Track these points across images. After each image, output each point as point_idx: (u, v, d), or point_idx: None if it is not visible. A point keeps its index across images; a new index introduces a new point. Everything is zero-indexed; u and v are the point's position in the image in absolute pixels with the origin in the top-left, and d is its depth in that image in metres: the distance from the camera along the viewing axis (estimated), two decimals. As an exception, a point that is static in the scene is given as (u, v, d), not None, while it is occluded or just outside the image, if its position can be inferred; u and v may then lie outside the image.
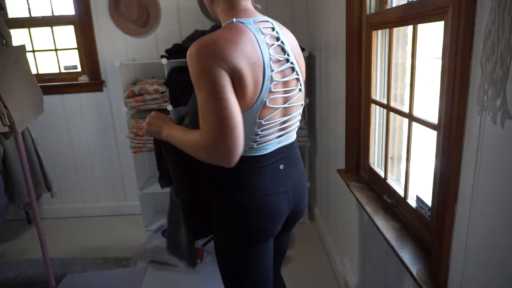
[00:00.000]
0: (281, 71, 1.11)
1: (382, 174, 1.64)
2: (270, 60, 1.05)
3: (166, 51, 2.63)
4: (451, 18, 0.94)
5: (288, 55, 1.13)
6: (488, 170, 0.84)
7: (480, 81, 0.81)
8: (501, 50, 0.73)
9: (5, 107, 1.73)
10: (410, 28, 1.38)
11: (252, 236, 1.19)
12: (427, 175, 1.22)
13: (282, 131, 1.17)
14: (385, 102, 1.57)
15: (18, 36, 3.01)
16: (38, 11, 2.94)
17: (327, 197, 2.52)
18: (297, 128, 1.27)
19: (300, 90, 1.19)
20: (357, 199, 1.64)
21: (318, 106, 2.65)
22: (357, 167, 1.86)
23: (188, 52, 0.99)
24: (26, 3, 2.88)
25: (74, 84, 2.99)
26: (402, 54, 1.51)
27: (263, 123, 1.08)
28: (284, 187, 1.19)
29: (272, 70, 1.06)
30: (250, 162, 1.12)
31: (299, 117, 1.25)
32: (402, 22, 1.33)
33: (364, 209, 1.54)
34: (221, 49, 0.96)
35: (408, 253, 1.22)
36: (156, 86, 2.61)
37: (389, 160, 1.60)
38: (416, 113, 1.30)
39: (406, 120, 1.42)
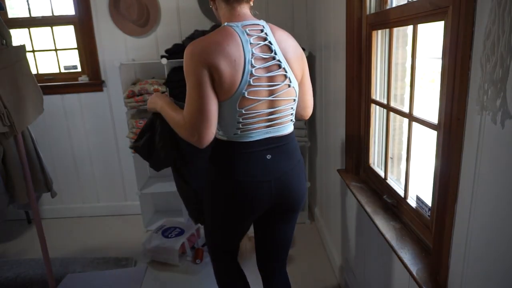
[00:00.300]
0: (266, 67, 1.24)
1: (382, 174, 1.64)
2: (252, 57, 1.20)
3: (166, 51, 2.63)
4: (451, 18, 0.95)
5: (275, 53, 1.25)
6: (488, 170, 0.84)
7: (480, 81, 0.81)
8: (501, 50, 0.73)
9: (5, 107, 1.73)
10: (410, 28, 1.38)
11: (225, 211, 1.37)
12: (427, 175, 1.23)
13: (270, 122, 1.29)
14: (385, 102, 1.57)
15: (18, 36, 3.01)
16: (38, 11, 2.94)
17: (327, 197, 2.52)
18: (291, 122, 1.37)
19: (289, 85, 1.30)
20: (357, 199, 1.64)
21: (318, 106, 2.65)
22: (357, 167, 1.86)
23: (184, 53, 1.21)
24: (26, 3, 2.88)
25: (74, 84, 2.99)
26: (402, 54, 1.52)
27: (243, 112, 1.23)
28: (267, 177, 1.31)
29: (253, 66, 1.20)
30: (236, 147, 1.28)
31: (291, 111, 1.35)
32: (402, 22, 1.33)
33: (364, 209, 1.54)
34: (205, 50, 1.17)
35: (408, 253, 1.22)
36: (156, 86, 2.61)
37: (389, 160, 1.60)
38: (416, 113, 1.30)
39: (406, 120, 1.42)
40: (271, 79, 1.25)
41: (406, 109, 1.37)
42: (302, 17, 2.86)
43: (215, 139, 1.31)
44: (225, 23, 1.25)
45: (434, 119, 1.12)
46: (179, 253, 2.48)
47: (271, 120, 1.29)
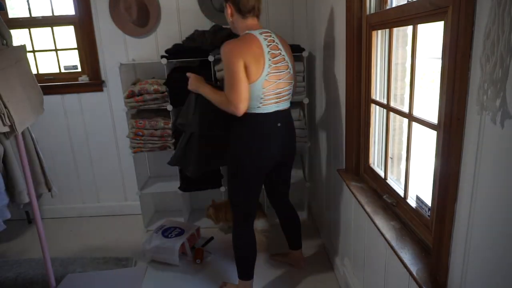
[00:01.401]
0: (276, 60, 1.80)
1: (382, 174, 1.64)
2: (268, 54, 1.77)
3: (166, 51, 2.63)
4: (451, 18, 0.95)
5: (281, 50, 1.85)
6: (488, 170, 0.84)
7: (480, 81, 0.81)
8: (501, 50, 0.73)
9: (6, 107, 1.73)
10: (410, 28, 1.38)
11: (251, 162, 1.88)
12: (427, 175, 1.22)
13: (278, 99, 1.84)
14: (385, 102, 1.57)
15: (18, 36, 3.01)
16: (39, 11, 2.94)
17: (327, 197, 2.52)
18: (289, 100, 1.95)
19: (289, 73, 1.87)
20: (357, 199, 1.64)
21: (318, 106, 2.65)
22: (357, 167, 1.86)
23: (222, 48, 1.74)
24: (27, 3, 2.88)
25: (74, 84, 2.99)
26: (402, 54, 1.52)
27: (265, 90, 1.77)
28: (277, 139, 1.90)
29: (269, 59, 1.77)
30: (259, 117, 1.82)
31: (290, 91, 1.93)
32: (402, 22, 1.33)
33: (364, 209, 1.54)
34: (239, 49, 1.72)
35: (408, 253, 1.22)
36: (156, 86, 2.61)
37: (389, 160, 1.61)
38: (416, 113, 1.30)
39: (406, 120, 1.42)
40: (279, 68, 1.81)
41: (406, 109, 1.37)
42: (302, 17, 2.86)
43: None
44: (247, 31, 1.79)
45: (434, 119, 1.12)
46: (179, 253, 2.48)
47: (279, 98, 1.84)
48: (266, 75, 1.74)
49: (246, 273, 2.06)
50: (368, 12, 1.63)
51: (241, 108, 1.71)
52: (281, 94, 1.83)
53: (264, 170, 1.95)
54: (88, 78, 2.99)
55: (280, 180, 2.17)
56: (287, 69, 1.84)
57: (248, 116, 1.81)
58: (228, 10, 1.83)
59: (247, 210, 2.02)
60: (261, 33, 1.78)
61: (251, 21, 1.82)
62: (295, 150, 2.09)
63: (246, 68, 1.69)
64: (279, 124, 1.86)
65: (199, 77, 1.96)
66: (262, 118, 1.82)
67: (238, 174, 1.92)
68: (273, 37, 1.82)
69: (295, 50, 2.60)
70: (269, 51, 1.76)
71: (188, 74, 1.99)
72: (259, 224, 2.63)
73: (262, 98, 1.77)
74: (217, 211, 2.73)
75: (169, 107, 2.63)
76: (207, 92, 1.86)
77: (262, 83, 1.74)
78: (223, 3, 1.84)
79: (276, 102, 1.83)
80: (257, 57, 1.71)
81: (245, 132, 1.85)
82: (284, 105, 1.89)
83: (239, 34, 1.85)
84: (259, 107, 1.79)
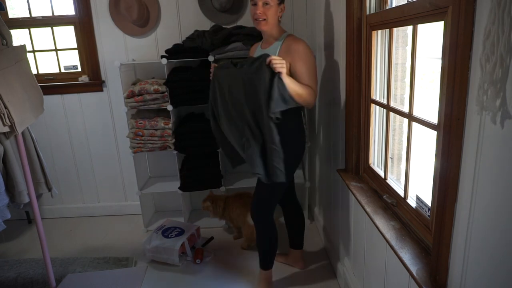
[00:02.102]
0: None
1: (382, 174, 1.64)
2: None
3: (166, 51, 2.63)
4: (451, 18, 0.95)
5: None
6: (488, 170, 0.84)
7: (480, 81, 0.81)
8: (501, 50, 0.73)
9: (6, 107, 1.73)
10: (410, 28, 1.38)
11: (297, 158, 1.99)
12: (427, 175, 1.23)
13: None
14: (385, 102, 1.57)
15: (18, 36, 3.01)
16: (39, 11, 2.94)
17: (327, 197, 2.52)
18: None
19: None
20: (357, 199, 1.64)
21: (318, 106, 2.65)
22: (357, 167, 1.86)
23: (299, 43, 1.80)
24: (27, 3, 2.88)
25: (74, 84, 2.99)
26: (402, 54, 1.52)
27: None
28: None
29: None
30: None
31: None
32: (402, 22, 1.33)
33: (364, 209, 1.54)
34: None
35: (408, 253, 1.22)
36: (156, 86, 2.61)
37: (389, 160, 1.61)
38: (416, 113, 1.30)
39: (406, 120, 1.42)
40: None
41: (406, 109, 1.37)
42: (302, 17, 2.86)
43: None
44: (288, 32, 1.91)
45: (434, 119, 1.12)
46: (179, 253, 2.48)
47: None
48: None
49: (270, 261, 2.14)
50: (368, 12, 1.63)
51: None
52: None
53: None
54: (88, 78, 2.99)
55: (292, 177, 2.24)
56: None
57: (300, 113, 1.93)
58: (281, 7, 1.84)
59: (275, 204, 2.06)
60: None
61: None
62: None
63: None
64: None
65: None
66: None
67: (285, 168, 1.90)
68: None
69: (295, 50, 2.60)
70: None
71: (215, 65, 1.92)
72: None
73: None
74: (215, 204, 2.73)
75: (169, 107, 2.63)
76: (293, 83, 1.72)
77: None
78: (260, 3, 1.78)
79: None
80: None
81: (300, 128, 1.93)
82: None
83: (271, 33, 1.87)
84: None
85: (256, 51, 2.03)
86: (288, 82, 1.66)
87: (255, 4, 1.79)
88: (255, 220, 2.09)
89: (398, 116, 1.56)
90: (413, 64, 1.27)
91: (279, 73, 1.62)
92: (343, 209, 2.09)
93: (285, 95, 1.65)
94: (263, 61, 1.64)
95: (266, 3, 1.77)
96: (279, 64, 1.61)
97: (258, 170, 1.76)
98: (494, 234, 0.83)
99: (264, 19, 1.80)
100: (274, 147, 1.69)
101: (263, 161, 1.76)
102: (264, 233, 2.09)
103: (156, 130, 2.67)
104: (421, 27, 1.22)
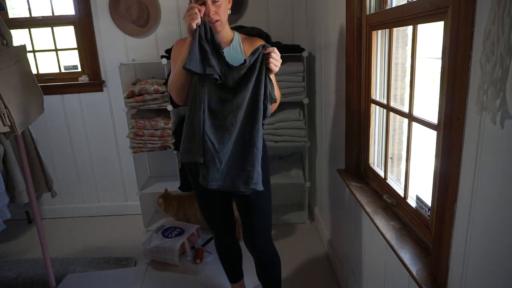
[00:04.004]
0: None
1: (382, 174, 1.64)
2: None
3: (166, 51, 2.63)
4: (450, 18, 0.95)
5: None
6: (488, 170, 0.84)
7: (480, 81, 0.81)
8: (501, 50, 0.73)
9: (6, 107, 1.73)
10: (410, 28, 1.38)
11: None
12: (427, 175, 1.23)
13: None
14: (385, 102, 1.57)
15: (18, 36, 3.01)
16: (39, 11, 2.94)
17: (327, 197, 2.52)
18: None
19: None
20: (357, 199, 1.64)
21: (318, 106, 2.65)
22: (357, 167, 1.86)
23: (261, 42, 1.57)
24: (27, 3, 2.88)
25: (74, 84, 2.99)
26: (402, 54, 1.52)
27: None
28: None
29: None
30: None
31: None
32: (402, 22, 1.33)
33: (364, 209, 1.54)
34: None
35: (408, 253, 1.23)
36: (156, 86, 2.61)
37: (389, 160, 1.61)
38: (416, 113, 1.30)
39: (406, 120, 1.42)
40: None
41: (406, 109, 1.37)
42: (302, 17, 2.86)
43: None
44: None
45: (434, 119, 1.12)
46: (179, 253, 2.48)
47: None
48: None
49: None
50: (368, 12, 1.63)
51: None
52: None
53: None
54: (88, 78, 2.99)
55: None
56: None
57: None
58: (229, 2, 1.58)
59: None
60: None
61: None
62: None
63: None
64: None
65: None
66: None
67: (269, 183, 1.73)
68: None
69: (295, 50, 2.61)
70: None
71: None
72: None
73: None
74: (166, 202, 2.75)
75: (169, 107, 2.63)
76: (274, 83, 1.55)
77: None
78: None
79: None
80: None
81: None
82: None
83: (226, 33, 1.61)
84: None
85: None
86: (274, 83, 1.52)
87: (203, 4, 1.46)
88: (265, 250, 1.76)
89: (398, 116, 1.56)
90: (413, 64, 1.27)
91: (268, 70, 1.44)
92: (343, 209, 2.09)
93: (272, 95, 1.50)
94: (260, 52, 1.43)
95: (215, 1, 1.48)
96: (276, 62, 1.43)
97: (257, 181, 1.51)
98: (494, 234, 0.83)
99: (218, 20, 1.51)
100: (257, 151, 1.49)
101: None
102: (277, 258, 1.82)
103: (156, 130, 2.67)
104: (421, 27, 1.22)
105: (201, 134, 1.46)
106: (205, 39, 1.42)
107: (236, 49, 1.62)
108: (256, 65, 1.43)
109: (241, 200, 1.67)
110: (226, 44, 1.61)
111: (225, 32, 1.60)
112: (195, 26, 1.39)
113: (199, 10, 1.39)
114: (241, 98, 1.45)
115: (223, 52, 1.44)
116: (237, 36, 1.65)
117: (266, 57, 1.43)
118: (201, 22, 1.40)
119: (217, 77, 1.42)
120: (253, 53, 1.43)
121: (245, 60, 1.43)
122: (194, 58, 1.39)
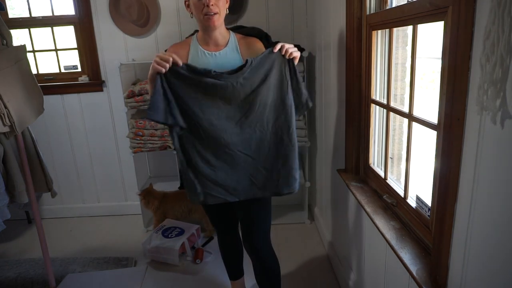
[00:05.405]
0: None
1: (382, 174, 1.64)
2: None
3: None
4: (451, 18, 0.95)
5: None
6: (488, 170, 0.84)
7: (480, 81, 0.81)
8: (501, 50, 0.73)
9: (6, 107, 1.73)
10: (410, 28, 1.38)
11: None
12: (427, 175, 1.23)
13: None
14: (385, 102, 1.57)
15: (18, 36, 3.01)
16: (39, 11, 2.94)
17: (327, 197, 2.52)
18: None
19: None
20: (357, 199, 1.64)
21: (318, 106, 2.65)
22: (357, 167, 1.86)
23: (259, 42, 1.62)
24: (27, 3, 2.88)
25: (74, 84, 2.99)
26: (402, 54, 1.52)
27: None
28: None
29: None
30: None
31: None
32: (402, 22, 1.33)
33: (364, 209, 1.55)
34: None
35: (408, 253, 1.22)
36: (156, 86, 2.61)
37: (389, 160, 1.61)
38: (416, 113, 1.30)
39: (406, 120, 1.42)
40: None
41: (406, 109, 1.37)
42: (302, 17, 2.86)
43: None
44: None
45: (434, 119, 1.12)
46: (179, 253, 2.48)
47: None
48: None
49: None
50: (368, 12, 1.63)
51: None
52: None
53: None
54: (88, 78, 2.99)
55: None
56: None
57: None
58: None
59: None
60: None
61: None
62: None
63: None
64: None
65: None
66: None
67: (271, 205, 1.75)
68: None
69: (295, 50, 2.60)
70: None
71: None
72: None
73: None
74: (146, 199, 2.75)
75: (169, 107, 2.62)
76: None
77: None
78: None
79: None
80: None
81: None
82: None
83: (222, 29, 1.58)
84: None
85: (199, 57, 1.59)
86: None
87: None
88: (264, 253, 1.75)
89: (398, 116, 1.56)
90: (413, 64, 1.27)
91: (293, 59, 1.41)
92: (343, 209, 2.09)
93: (303, 91, 1.48)
94: (270, 53, 1.40)
95: None
96: (292, 49, 1.39)
97: (293, 183, 1.53)
98: (494, 234, 0.83)
99: (216, 13, 1.46)
100: (293, 147, 1.48)
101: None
102: (276, 262, 1.81)
103: (156, 130, 2.67)
104: (421, 27, 1.22)
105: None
106: (188, 73, 1.39)
107: (233, 50, 1.60)
108: (272, 69, 1.42)
109: (241, 202, 1.65)
110: (222, 46, 1.59)
111: (221, 31, 1.57)
112: (158, 74, 1.37)
113: (174, 63, 1.38)
114: (262, 105, 1.44)
115: (215, 72, 1.39)
116: (233, 36, 1.63)
117: (282, 52, 1.41)
118: (169, 68, 1.38)
119: (179, 126, 1.42)
120: (260, 60, 1.41)
121: (247, 60, 1.40)
122: (154, 107, 1.38)
